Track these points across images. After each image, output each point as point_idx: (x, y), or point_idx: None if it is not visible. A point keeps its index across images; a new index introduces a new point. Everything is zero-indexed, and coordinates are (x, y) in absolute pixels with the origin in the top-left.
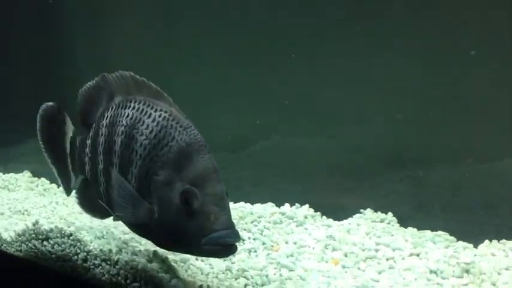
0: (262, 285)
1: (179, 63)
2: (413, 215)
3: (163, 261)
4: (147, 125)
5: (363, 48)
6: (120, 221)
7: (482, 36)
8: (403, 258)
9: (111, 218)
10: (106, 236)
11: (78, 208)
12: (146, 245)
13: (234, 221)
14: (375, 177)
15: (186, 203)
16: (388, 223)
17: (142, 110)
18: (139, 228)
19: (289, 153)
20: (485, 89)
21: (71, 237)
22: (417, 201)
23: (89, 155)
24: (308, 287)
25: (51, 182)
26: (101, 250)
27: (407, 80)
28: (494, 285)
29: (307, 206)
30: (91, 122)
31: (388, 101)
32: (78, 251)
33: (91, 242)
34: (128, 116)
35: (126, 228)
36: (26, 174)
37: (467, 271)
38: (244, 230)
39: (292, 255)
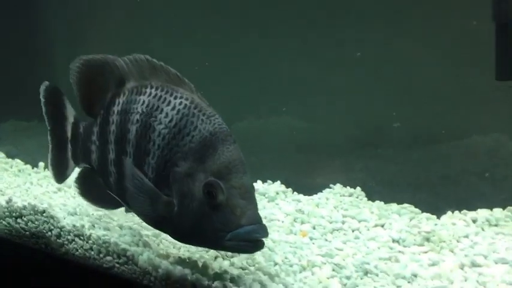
0: (232, 257)
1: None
2: (381, 190)
3: (136, 235)
4: (166, 113)
5: (335, 27)
6: (131, 212)
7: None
8: (368, 229)
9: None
10: (79, 212)
11: (81, 200)
12: (119, 220)
13: None
14: (346, 155)
15: (210, 196)
16: (357, 197)
17: (160, 96)
18: (155, 221)
19: (263, 132)
20: (448, 70)
21: (43, 214)
22: (386, 177)
23: (97, 143)
24: (275, 257)
25: (26, 163)
26: (74, 226)
27: (378, 60)
28: (452, 251)
29: (278, 182)
30: (96, 108)
31: (360, 81)
32: (52, 227)
33: (64, 218)
34: (143, 103)
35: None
36: (0, 155)
37: (427, 239)
38: None
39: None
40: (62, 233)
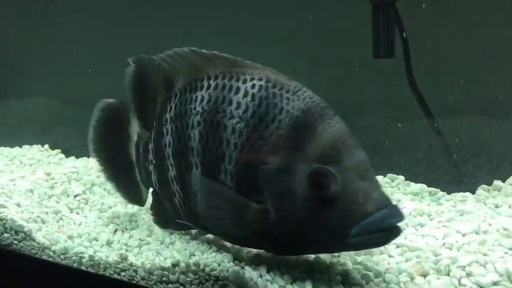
0: (132, 229)
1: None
2: None
3: (34, 212)
4: (238, 103)
5: None
6: (206, 234)
7: None
8: None
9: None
10: None
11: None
12: (16, 199)
13: None
14: None
15: (319, 188)
16: None
17: (224, 86)
18: (245, 237)
19: None
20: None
21: None
22: None
23: (153, 161)
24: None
25: None
26: None
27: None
28: None
29: None
30: (149, 121)
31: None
32: None
33: None
34: (202, 100)
35: None
36: None
37: None
38: None
39: None
40: None
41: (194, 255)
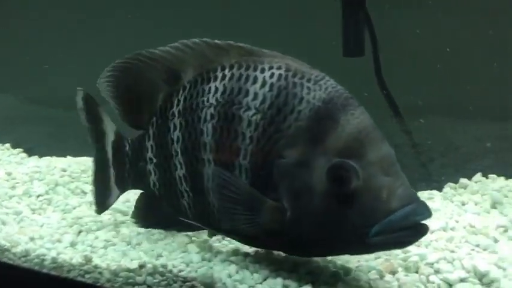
0: (97, 230)
1: None
2: None
3: None
4: (255, 94)
5: None
6: (216, 236)
7: None
8: None
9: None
10: None
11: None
12: None
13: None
14: None
15: (340, 184)
16: None
17: (241, 75)
18: (259, 237)
19: None
20: None
21: None
22: None
23: (155, 160)
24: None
25: None
26: None
27: None
28: None
29: None
30: (144, 118)
31: None
32: None
33: None
34: (216, 91)
35: None
36: None
37: None
38: (87, 183)
39: (128, 201)
40: None
41: (161, 256)
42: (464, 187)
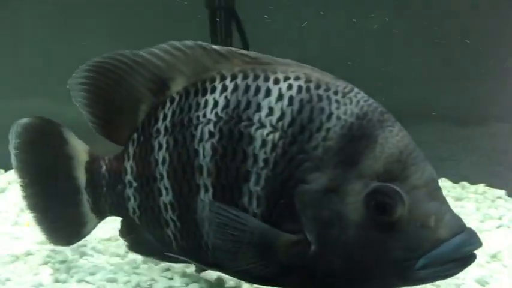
0: None
1: None
2: None
3: None
4: (269, 108)
5: None
6: (206, 271)
7: None
8: None
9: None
10: None
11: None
12: None
13: None
14: None
15: (382, 212)
16: None
17: (248, 87)
18: (275, 277)
19: None
20: None
21: None
22: None
23: (135, 184)
24: None
25: None
26: None
27: None
28: None
29: None
30: (121, 133)
31: None
32: None
33: None
34: (216, 105)
35: None
36: None
37: None
38: None
39: None
40: None
41: None
42: None
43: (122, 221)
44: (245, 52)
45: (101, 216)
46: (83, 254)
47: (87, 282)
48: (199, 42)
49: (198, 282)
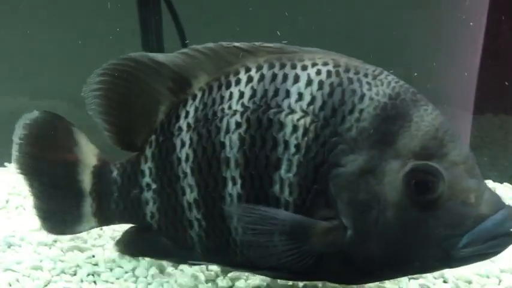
0: None
1: None
2: None
3: None
4: (299, 94)
5: None
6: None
7: None
8: None
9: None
10: None
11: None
12: None
13: None
14: None
15: (423, 190)
16: None
17: (275, 75)
18: (310, 269)
19: None
20: None
21: None
22: None
23: (154, 186)
24: None
25: None
26: None
27: None
28: None
29: None
30: (139, 136)
31: None
32: None
33: None
34: (242, 96)
35: None
36: None
37: None
38: None
39: None
40: None
41: None
42: None
43: (126, 232)
44: (269, 44)
45: (103, 223)
46: (10, 245)
47: (13, 270)
48: (221, 42)
49: (122, 267)
